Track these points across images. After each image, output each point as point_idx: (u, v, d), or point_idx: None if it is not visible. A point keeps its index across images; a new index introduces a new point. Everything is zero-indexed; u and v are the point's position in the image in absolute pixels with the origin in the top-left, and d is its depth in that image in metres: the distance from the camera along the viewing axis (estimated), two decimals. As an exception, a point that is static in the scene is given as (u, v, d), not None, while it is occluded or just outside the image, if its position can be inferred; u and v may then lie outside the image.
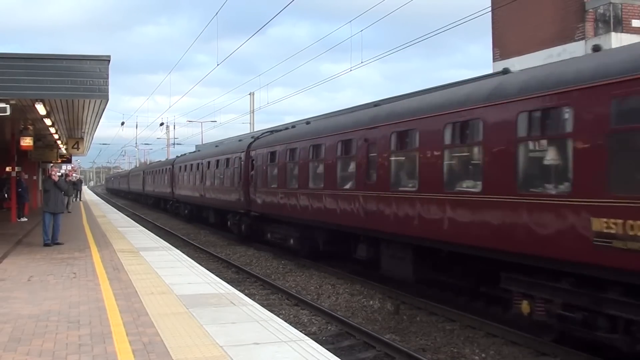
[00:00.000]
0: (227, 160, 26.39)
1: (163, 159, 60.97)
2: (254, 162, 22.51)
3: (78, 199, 46.71)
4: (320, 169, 16.69)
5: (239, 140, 29.54)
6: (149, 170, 55.07)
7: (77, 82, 13.11)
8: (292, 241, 19.31)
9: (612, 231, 7.65)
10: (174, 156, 49.19)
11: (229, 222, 26.31)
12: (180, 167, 37.53)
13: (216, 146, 35.37)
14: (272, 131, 24.38)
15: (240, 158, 24.16)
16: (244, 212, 23.34)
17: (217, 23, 58.41)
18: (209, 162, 30.01)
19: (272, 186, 20.33)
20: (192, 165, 34.02)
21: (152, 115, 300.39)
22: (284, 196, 19.19)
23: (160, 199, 48.06)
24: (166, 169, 43.29)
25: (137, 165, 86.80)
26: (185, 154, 41.81)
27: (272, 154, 20.75)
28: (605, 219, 7.75)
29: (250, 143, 23.63)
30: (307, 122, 21.64)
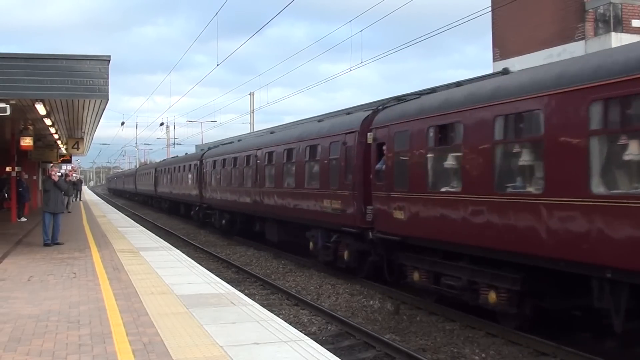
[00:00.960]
0: (313, 148, 17.41)
1: (162, 159, 59.87)
2: (384, 147, 13.46)
3: (78, 199, 46.72)
4: None
5: (319, 121, 19.32)
6: (164, 167, 44.63)
7: (77, 82, 13.12)
8: (494, 296, 10.17)
9: None
10: (175, 154, 43.20)
11: (311, 244, 17.45)
12: (215, 162, 28.99)
13: (271, 132, 25.87)
14: (400, 99, 14.98)
15: (344, 143, 15.32)
16: (356, 232, 14.58)
17: (217, 23, 58.46)
18: (269, 154, 20.98)
19: (446, 189, 11.38)
20: (235, 158, 25.28)
21: (152, 116, 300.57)
22: (491, 209, 9.96)
23: (181, 204, 38.43)
24: (190, 165, 34.17)
25: (138, 165, 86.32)
26: (217, 146, 33.54)
27: (444, 129, 11.54)
28: None
29: (370, 116, 14.71)
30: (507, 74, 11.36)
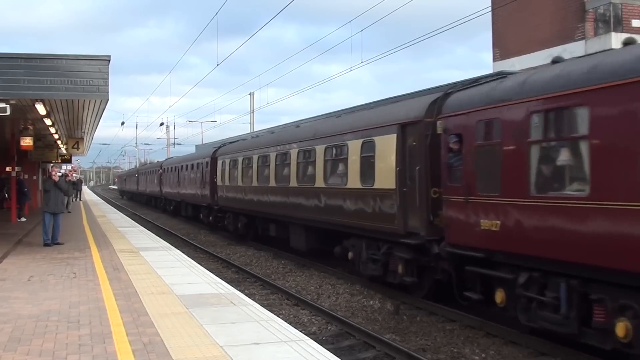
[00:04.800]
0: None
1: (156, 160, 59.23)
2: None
3: (78, 199, 46.71)
4: None
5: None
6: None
7: (77, 82, 13.13)
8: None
9: None
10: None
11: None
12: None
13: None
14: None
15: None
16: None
17: (217, 24, 58.39)
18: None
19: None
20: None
21: (148, 116, 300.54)
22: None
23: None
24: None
25: (137, 165, 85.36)
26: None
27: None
28: None
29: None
30: None
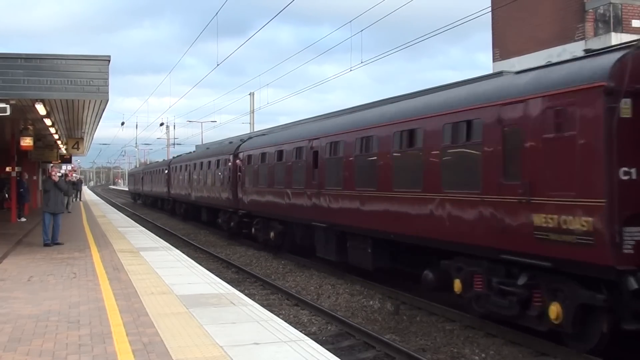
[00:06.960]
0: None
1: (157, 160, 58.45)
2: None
3: (78, 199, 46.72)
4: None
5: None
6: None
7: (77, 82, 13.13)
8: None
9: None
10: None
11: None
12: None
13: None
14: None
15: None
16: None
17: (217, 24, 58.26)
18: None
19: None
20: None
21: (148, 116, 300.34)
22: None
23: None
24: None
25: (138, 166, 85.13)
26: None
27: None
28: None
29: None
30: None
